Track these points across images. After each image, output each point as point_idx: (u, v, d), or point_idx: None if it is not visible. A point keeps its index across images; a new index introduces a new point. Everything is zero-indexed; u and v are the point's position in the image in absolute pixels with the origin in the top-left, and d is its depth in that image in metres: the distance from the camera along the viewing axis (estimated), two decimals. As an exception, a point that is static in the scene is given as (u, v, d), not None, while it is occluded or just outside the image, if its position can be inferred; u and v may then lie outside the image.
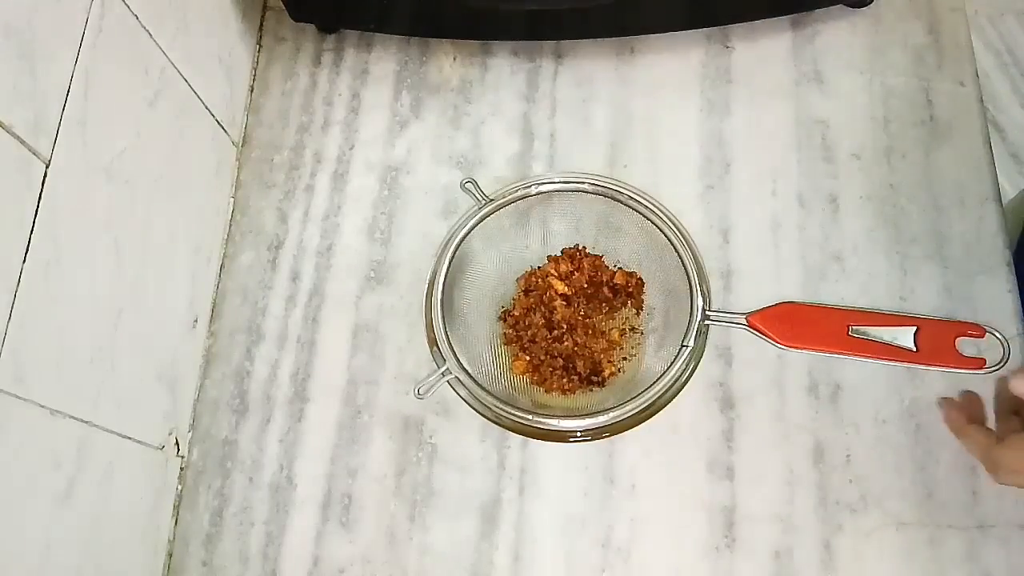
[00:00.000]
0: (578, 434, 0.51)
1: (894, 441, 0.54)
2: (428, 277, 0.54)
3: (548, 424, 0.50)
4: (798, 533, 0.52)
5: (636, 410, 0.50)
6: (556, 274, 0.57)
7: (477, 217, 0.55)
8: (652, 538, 0.53)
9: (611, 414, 0.50)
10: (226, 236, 0.62)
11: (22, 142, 0.38)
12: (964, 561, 0.51)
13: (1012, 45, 1.37)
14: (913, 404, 0.55)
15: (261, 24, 0.68)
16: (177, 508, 0.55)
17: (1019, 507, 0.52)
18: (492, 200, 0.55)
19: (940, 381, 0.55)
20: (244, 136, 0.64)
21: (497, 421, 0.51)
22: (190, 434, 0.57)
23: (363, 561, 0.53)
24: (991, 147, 0.61)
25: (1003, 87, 1.34)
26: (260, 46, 0.67)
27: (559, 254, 0.58)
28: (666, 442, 0.55)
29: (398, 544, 0.53)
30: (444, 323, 0.52)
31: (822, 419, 0.55)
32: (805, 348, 0.54)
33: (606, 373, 0.55)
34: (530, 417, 0.50)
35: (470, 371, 0.51)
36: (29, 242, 0.39)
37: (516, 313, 0.57)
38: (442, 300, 0.52)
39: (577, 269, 0.57)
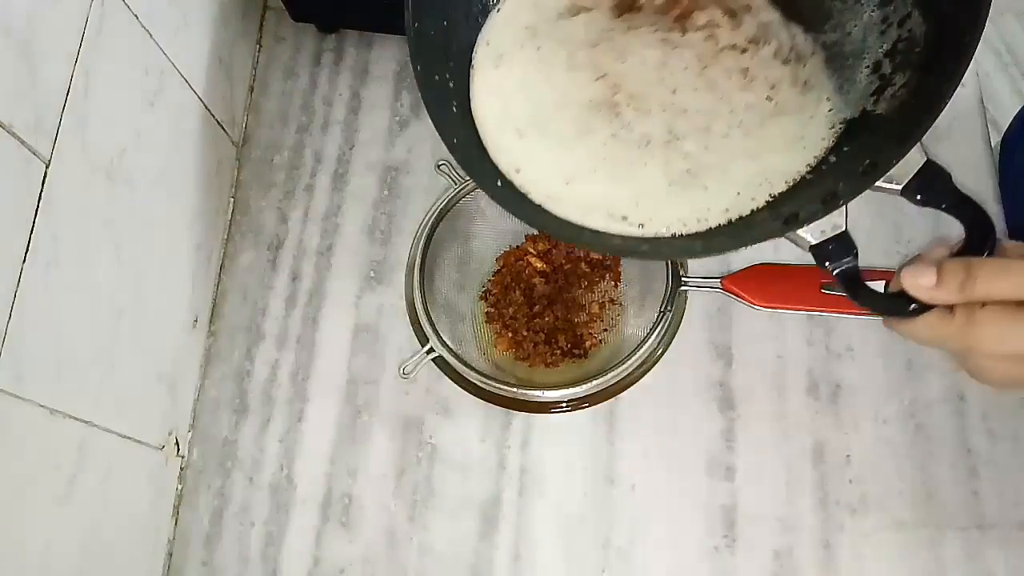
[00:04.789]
0: (563, 404, 0.52)
1: (894, 441, 0.54)
2: (407, 259, 0.54)
3: (533, 396, 0.51)
4: (798, 533, 0.52)
5: (618, 377, 0.51)
6: (534, 252, 0.58)
7: (453, 198, 0.55)
8: (652, 538, 0.53)
9: (594, 382, 0.50)
10: (226, 236, 0.62)
11: (22, 142, 0.38)
12: (964, 561, 0.51)
13: (1012, 45, 1.37)
14: (913, 404, 0.55)
15: (261, 24, 0.68)
16: (177, 508, 0.55)
17: (1019, 507, 0.52)
18: (467, 181, 0.56)
19: (939, 381, 0.55)
20: (244, 136, 0.64)
21: (482, 396, 0.52)
22: (190, 434, 0.57)
23: (363, 561, 0.53)
24: (991, 147, 0.61)
25: (1003, 87, 1.34)
26: (260, 46, 0.67)
27: (535, 232, 0.59)
28: (666, 442, 0.55)
29: (398, 544, 0.54)
30: (425, 302, 0.53)
31: (822, 419, 0.55)
32: (779, 307, 0.55)
33: (587, 345, 0.56)
34: (515, 390, 0.51)
35: (454, 349, 0.52)
36: (29, 242, 0.39)
37: (496, 292, 0.57)
38: (422, 281, 0.53)
39: (554, 246, 0.58)
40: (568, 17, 0.46)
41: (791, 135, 0.43)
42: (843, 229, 0.38)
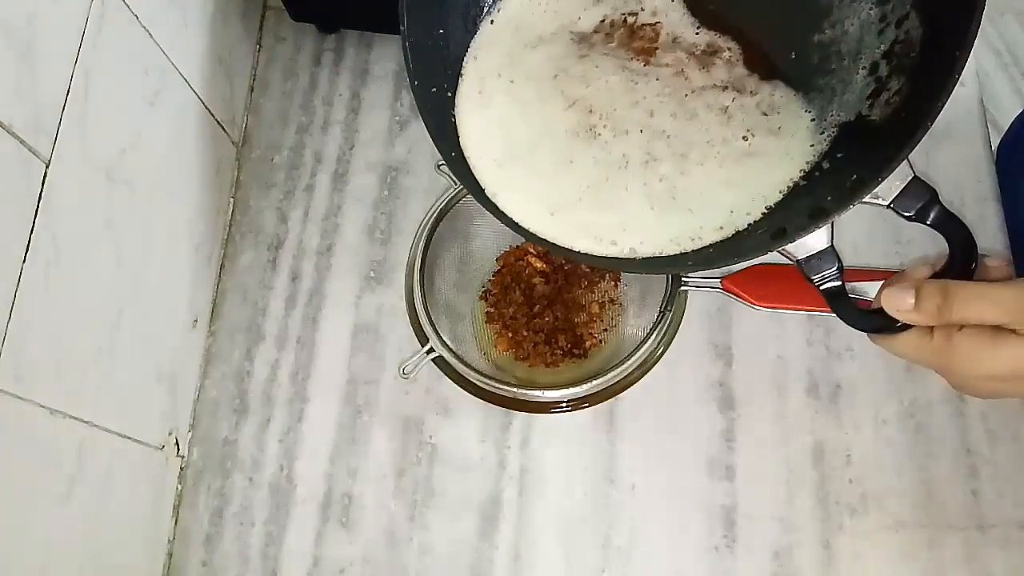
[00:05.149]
0: (563, 404, 0.52)
1: (894, 441, 0.54)
2: (407, 258, 0.54)
3: (533, 396, 0.51)
4: (798, 533, 0.52)
5: (618, 377, 0.51)
6: (534, 252, 0.58)
7: (453, 198, 0.55)
8: (652, 538, 0.53)
9: (594, 382, 0.51)
10: (226, 236, 0.62)
11: (22, 142, 0.38)
12: (964, 562, 0.51)
13: (1012, 45, 1.37)
14: (913, 404, 0.55)
15: (261, 24, 0.68)
16: (177, 508, 0.55)
17: (1019, 507, 0.52)
18: None
19: (939, 381, 0.55)
20: (244, 136, 0.64)
21: (482, 396, 0.52)
22: (190, 434, 0.57)
23: (363, 561, 0.53)
24: (991, 147, 0.61)
25: (1003, 87, 1.34)
26: (260, 46, 0.67)
27: None
28: (666, 442, 0.55)
29: (398, 544, 0.54)
30: (425, 302, 0.53)
31: (822, 419, 0.55)
32: (779, 307, 0.55)
33: (587, 345, 0.56)
34: (515, 390, 0.51)
35: (454, 349, 0.52)
36: (29, 242, 0.39)
37: (496, 292, 0.57)
38: (422, 281, 0.53)
39: None
40: (532, 48, 0.47)
41: (770, 163, 0.43)
42: (828, 245, 0.39)
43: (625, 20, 0.47)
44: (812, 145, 0.43)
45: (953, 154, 0.60)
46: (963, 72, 0.64)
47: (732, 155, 0.44)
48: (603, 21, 0.47)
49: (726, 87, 0.45)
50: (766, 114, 0.44)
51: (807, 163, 0.43)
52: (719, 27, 0.46)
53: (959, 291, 0.37)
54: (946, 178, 0.60)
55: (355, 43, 0.66)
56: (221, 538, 0.54)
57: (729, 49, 0.46)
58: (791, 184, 0.43)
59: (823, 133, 0.43)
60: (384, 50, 0.66)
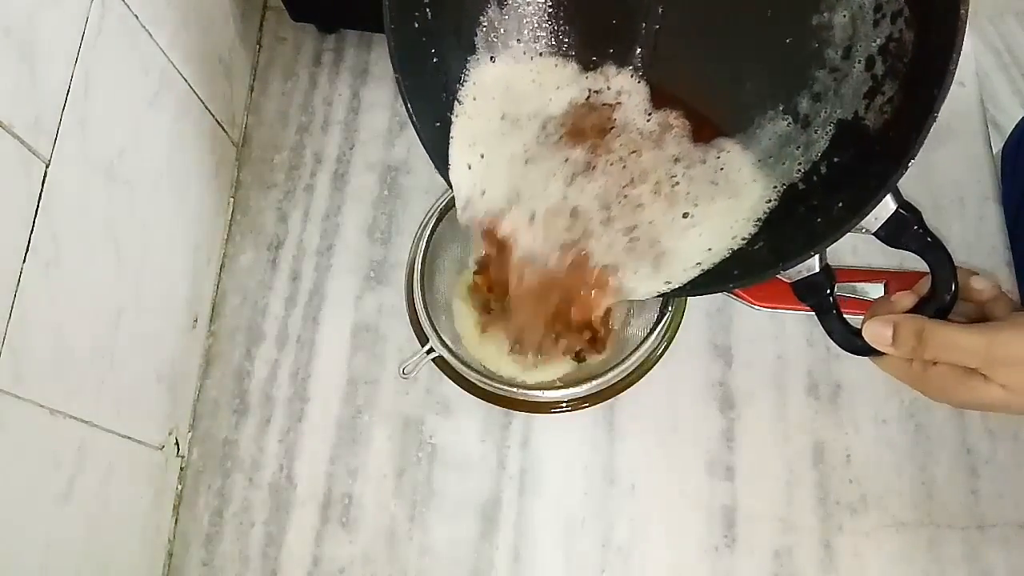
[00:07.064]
0: (563, 404, 0.52)
1: (894, 441, 0.54)
2: (407, 258, 0.54)
3: (533, 396, 0.51)
4: (798, 533, 0.52)
5: (618, 377, 0.51)
6: None
7: (453, 198, 0.55)
8: (652, 538, 0.53)
9: (594, 382, 0.50)
10: (226, 236, 0.62)
11: (22, 142, 0.38)
12: (964, 561, 0.51)
13: (1012, 45, 1.37)
14: (913, 404, 0.55)
15: (261, 24, 0.68)
16: (177, 508, 0.55)
17: (1019, 507, 0.52)
18: None
19: (940, 381, 0.55)
20: (244, 136, 0.64)
21: (482, 396, 0.52)
22: (190, 434, 0.57)
23: (363, 561, 0.53)
24: (991, 147, 0.61)
25: (1003, 87, 1.34)
26: (260, 46, 0.67)
27: None
28: (666, 442, 0.55)
29: (398, 544, 0.54)
30: (425, 302, 0.52)
31: (822, 419, 0.55)
32: (779, 307, 0.55)
33: None
34: (515, 390, 0.51)
35: (454, 349, 0.52)
36: (29, 242, 0.39)
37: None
38: (422, 281, 0.53)
39: None
40: (506, 133, 0.47)
41: (738, 199, 0.44)
42: (819, 270, 0.41)
43: (588, 98, 0.48)
44: (809, 145, 0.43)
45: (953, 154, 0.60)
46: (963, 72, 0.64)
47: (679, 227, 0.45)
48: (570, 103, 0.48)
49: (678, 159, 0.46)
50: (715, 182, 0.45)
51: (807, 161, 0.43)
52: (677, 91, 0.47)
53: (932, 335, 0.40)
54: (946, 178, 0.60)
55: (355, 43, 0.66)
56: (221, 538, 0.54)
57: (679, 126, 0.47)
58: (782, 189, 0.43)
59: (817, 131, 0.43)
60: (384, 50, 0.66)
